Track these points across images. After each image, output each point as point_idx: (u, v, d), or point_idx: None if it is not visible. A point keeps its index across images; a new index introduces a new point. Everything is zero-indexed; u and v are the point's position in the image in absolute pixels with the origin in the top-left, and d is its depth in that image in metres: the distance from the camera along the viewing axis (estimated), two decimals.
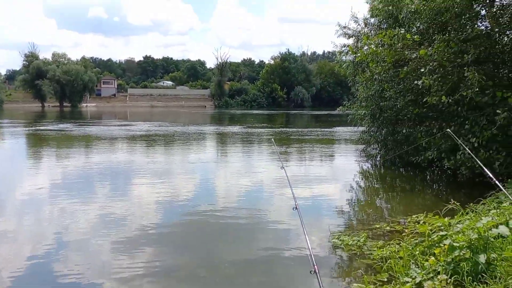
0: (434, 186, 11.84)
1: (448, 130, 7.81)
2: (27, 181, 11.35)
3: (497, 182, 5.75)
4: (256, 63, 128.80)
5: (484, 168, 6.20)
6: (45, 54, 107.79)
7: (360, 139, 15.49)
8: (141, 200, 9.28)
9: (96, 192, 10.28)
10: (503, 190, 5.99)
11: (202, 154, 18.08)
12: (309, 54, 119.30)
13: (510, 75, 10.64)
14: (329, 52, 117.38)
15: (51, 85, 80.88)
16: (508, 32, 11.06)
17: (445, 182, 11.85)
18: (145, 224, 7.35)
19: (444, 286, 4.13)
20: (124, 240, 6.56)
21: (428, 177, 12.50)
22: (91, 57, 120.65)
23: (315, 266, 3.04)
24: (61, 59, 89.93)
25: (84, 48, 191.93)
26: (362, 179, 13.02)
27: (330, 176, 13.24)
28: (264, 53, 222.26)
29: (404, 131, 12.63)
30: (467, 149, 6.87)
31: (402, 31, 10.76)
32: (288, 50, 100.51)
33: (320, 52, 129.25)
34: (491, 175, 5.86)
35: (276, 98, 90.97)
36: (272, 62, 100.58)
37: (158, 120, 41.68)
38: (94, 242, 6.50)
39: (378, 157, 14.44)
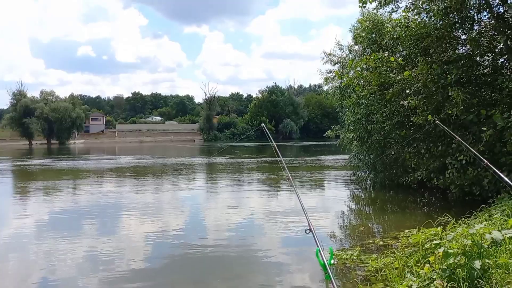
0: (425, 206, 11.85)
1: (438, 121, 7.81)
2: (11, 219, 11.05)
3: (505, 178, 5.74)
4: (244, 97, 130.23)
5: (492, 166, 6.22)
6: (33, 93, 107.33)
7: (349, 163, 15.59)
8: (130, 237, 8.96)
9: (83, 229, 9.87)
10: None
11: (192, 186, 17.91)
12: (295, 87, 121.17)
13: (492, 95, 10.89)
14: (315, 85, 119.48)
15: (39, 123, 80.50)
16: (488, 55, 11.43)
17: (435, 202, 11.88)
18: (134, 263, 6.98)
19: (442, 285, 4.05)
20: (113, 279, 6.19)
21: (418, 198, 12.52)
22: (80, 95, 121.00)
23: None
24: (49, 97, 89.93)
25: (72, 86, 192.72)
26: (352, 202, 12.99)
27: (321, 203, 13.09)
28: (252, 87, 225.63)
29: (392, 153, 12.75)
30: (460, 139, 6.83)
31: (386, 54, 11.05)
32: (275, 83, 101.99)
33: (307, 85, 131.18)
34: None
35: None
36: (259, 95, 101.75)
37: (147, 154, 41.47)
38: (82, 283, 6.16)
39: (368, 180, 14.50)
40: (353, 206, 12.42)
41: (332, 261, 2.19)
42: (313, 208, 11.58)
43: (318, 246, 2.34)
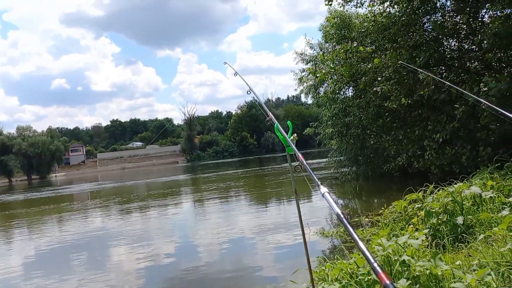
0: (409, 189, 11.91)
1: (401, 62, 7.93)
2: None
3: None
4: (223, 114, 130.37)
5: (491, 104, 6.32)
6: (9, 130, 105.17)
7: (330, 159, 15.67)
8: (121, 267, 8.58)
9: (72, 264, 9.41)
10: None
11: (179, 207, 17.60)
12: (274, 100, 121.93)
13: (462, 75, 11.15)
14: (293, 96, 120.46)
15: (18, 159, 78.93)
16: (454, 38, 11.75)
17: (417, 183, 11.97)
18: None
19: (427, 239, 4.05)
20: None
21: (401, 185, 12.60)
22: (57, 128, 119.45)
23: None
24: (26, 132, 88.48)
25: (49, 120, 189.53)
26: (337, 194, 12.98)
27: (307, 199, 13.05)
28: (230, 104, 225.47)
29: (372, 142, 12.88)
30: (429, 74, 6.91)
31: (355, 45, 11.25)
32: (254, 98, 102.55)
33: (285, 97, 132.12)
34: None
35: (247, 145, 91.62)
36: (239, 111, 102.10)
37: (130, 179, 40.91)
38: None
39: (351, 174, 14.58)
40: (337, 196, 12.42)
41: (292, 137, 2.17)
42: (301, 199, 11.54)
43: (280, 130, 2.32)
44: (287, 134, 2.22)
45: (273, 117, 2.54)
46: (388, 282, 0.95)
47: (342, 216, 1.29)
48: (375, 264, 1.03)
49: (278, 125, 2.32)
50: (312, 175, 1.67)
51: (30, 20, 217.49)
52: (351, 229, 1.21)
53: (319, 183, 1.54)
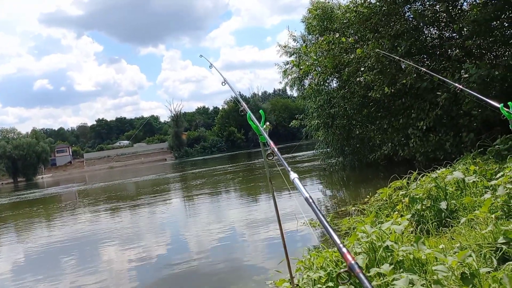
0: (394, 176, 12.05)
1: (378, 50, 8.03)
2: None
3: None
4: (210, 110, 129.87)
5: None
6: None
7: (317, 150, 15.73)
8: (112, 266, 8.48)
9: (63, 266, 9.30)
10: None
11: (169, 204, 17.52)
12: (260, 94, 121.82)
13: (443, 63, 11.27)
14: (279, 89, 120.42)
15: (2, 162, 77.79)
16: (434, 27, 11.87)
17: (403, 171, 12.11)
18: None
19: (411, 225, 4.11)
20: None
21: (386, 173, 12.74)
22: (42, 129, 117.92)
23: None
24: (10, 134, 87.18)
25: (32, 121, 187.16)
26: (323, 184, 13.07)
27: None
28: (216, 100, 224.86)
29: (357, 132, 12.97)
30: (410, 63, 7.00)
31: (337, 36, 11.29)
32: (240, 92, 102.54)
33: (271, 91, 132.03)
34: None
35: (235, 140, 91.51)
36: (225, 106, 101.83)
37: (119, 178, 40.59)
38: None
39: (338, 164, 14.67)
40: (325, 187, 12.52)
41: (265, 126, 2.19)
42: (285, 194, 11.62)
43: (253, 119, 2.34)
44: (260, 123, 2.24)
45: (246, 107, 2.56)
46: (353, 262, 0.97)
47: (310, 200, 1.31)
48: (341, 245, 1.05)
49: (251, 113, 2.34)
50: (283, 161, 1.69)
51: (8, 22, 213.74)
52: (319, 213, 1.23)
53: (289, 169, 1.56)
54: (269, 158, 1.88)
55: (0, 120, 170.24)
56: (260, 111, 2.55)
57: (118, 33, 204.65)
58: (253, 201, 13.93)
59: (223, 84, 3.08)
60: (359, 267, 0.94)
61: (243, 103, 2.61)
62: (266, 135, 2.07)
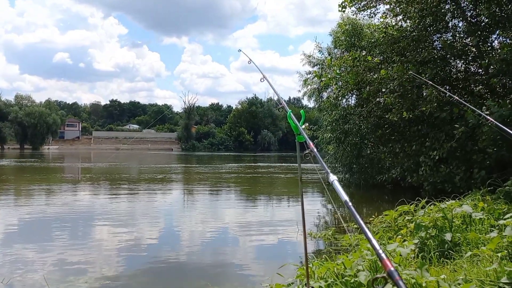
0: (402, 201, 11.99)
1: (411, 72, 7.98)
2: None
3: None
4: (223, 107, 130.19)
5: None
6: (7, 97, 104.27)
7: (325, 163, 15.69)
8: (102, 247, 8.40)
9: (53, 238, 9.28)
10: None
11: (168, 194, 17.56)
12: (275, 99, 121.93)
13: (465, 96, 11.24)
14: (294, 98, 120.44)
15: (12, 127, 78.48)
16: (462, 59, 11.84)
17: (409, 197, 12.05)
18: (106, 273, 6.44)
19: (414, 251, 4.10)
20: None
21: (392, 197, 12.69)
22: (55, 101, 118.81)
23: None
24: (24, 101, 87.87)
25: (48, 92, 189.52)
26: (327, 200, 13.03)
27: (296, 195, 13.00)
28: (230, 99, 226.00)
29: (368, 152, 12.96)
30: (438, 87, 6.98)
31: (363, 53, 11.31)
32: (255, 95, 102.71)
33: (286, 99, 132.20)
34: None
35: (243, 141, 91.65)
36: (239, 106, 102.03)
37: (122, 161, 40.77)
38: None
39: (342, 180, 14.64)
40: (327, 201, 12.46)
41: (304, 126, 2.22)
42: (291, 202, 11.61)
43: (292, 118, 2.38)
44: (299, 123, 2.27)
45: (285, 105, 2.60)
46: (392, 268, 0.99)
47: (350, 204, 1.34)
48: (381, 251, 1.08)
49: (291, 112, 2.37)
50: (322, 162, 1.72)
51: None
52: (358, 217, 1.25)
53: (328, 170, 1.59)
54: (307, 158, 1.91)
55: (16, 86, 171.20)
56: (301, 111, 2.59)
57: (145, 19, 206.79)
58: (256, 205, 13.97)
59: (262, 80, 3.13)
60: (399, 274, 0.96)
61: (283, 101, 2.65)
62: (305, 135, 2.10)
